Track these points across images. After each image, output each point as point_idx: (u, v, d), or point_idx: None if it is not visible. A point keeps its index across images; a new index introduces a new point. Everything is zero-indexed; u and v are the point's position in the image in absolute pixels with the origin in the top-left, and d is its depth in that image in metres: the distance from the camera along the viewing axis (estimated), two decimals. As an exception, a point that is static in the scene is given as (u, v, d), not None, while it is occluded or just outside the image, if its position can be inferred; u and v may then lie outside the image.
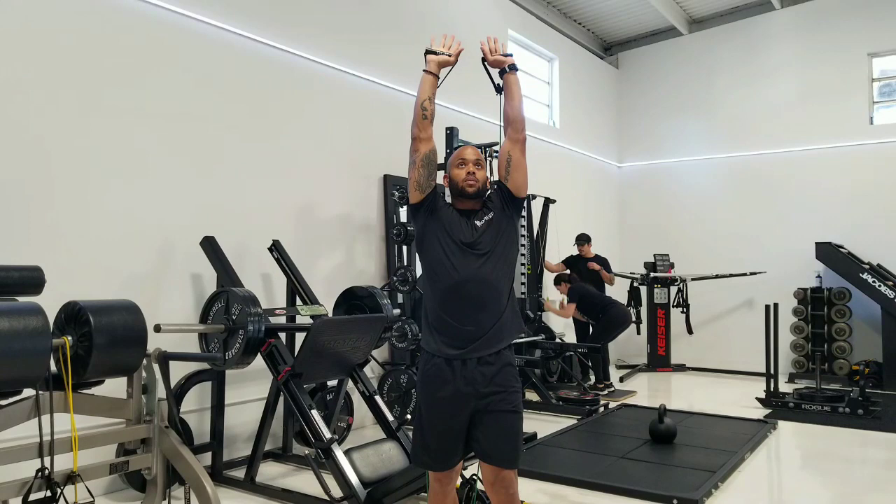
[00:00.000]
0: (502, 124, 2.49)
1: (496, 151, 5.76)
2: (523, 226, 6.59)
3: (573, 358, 7.51)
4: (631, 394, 7.00)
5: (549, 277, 7.69)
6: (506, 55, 2.49)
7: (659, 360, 8.74)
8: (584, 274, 7.48)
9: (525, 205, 6.34)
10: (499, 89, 2.52)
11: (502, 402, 2.32)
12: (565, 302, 7.19)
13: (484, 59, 2.51)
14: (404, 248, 5.59)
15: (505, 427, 2.32)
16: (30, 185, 3.55)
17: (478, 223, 2.42)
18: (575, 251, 7.73)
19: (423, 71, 2.44)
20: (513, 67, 2.48)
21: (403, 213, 5.70)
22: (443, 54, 2.45)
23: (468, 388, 2.30)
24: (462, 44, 2.51)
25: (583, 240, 7.65)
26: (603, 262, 7.70)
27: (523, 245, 6.51)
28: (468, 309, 2.32)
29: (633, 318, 8.09)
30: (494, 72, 2.54)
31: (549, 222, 7.48)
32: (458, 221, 2.42)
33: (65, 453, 2.54)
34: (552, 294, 7.82)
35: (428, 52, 2.46)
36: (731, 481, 4.00)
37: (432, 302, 2.40)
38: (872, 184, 8.13)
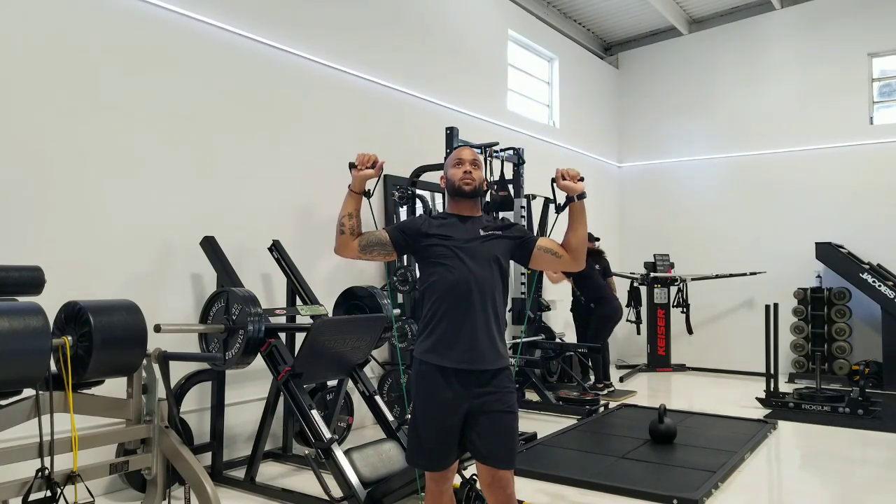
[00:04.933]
0: (563, 243, 2.43)
1: (496, 151, 5.75)
2: (523, 226, 6.59)
3: (573, 358, 7.51)
4: (631, 394, 7.01)
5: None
6: (578, 180, 2.41)
7: (659, 360, 8.74)
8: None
9: (525, 204, 6.35)
10: (559, 210, 2.51)
11: (497, 402, 2.32)
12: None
13: (554, 181, 2.45)
14: (404, 248, 5.58)
15: (500, 427, 2.32)
16: (30, 185, 3.55)
17: (482, 231, 2.41)
18: None
19: (348, 188, 2.43)
20: (582, 196, 2.41)
21: (403, 213, 5.70)
22: (365, 169, 2.41)
23: (463, 388, 2.30)
24: (380, 159, 2.44)
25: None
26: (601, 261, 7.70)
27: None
28: (464, 310, 2.32)
29: (622, 313, 7.95)
30: (561, 193, 2.46)
31: (549, 222, 7.48)
32: (455, 225, 2.42)
33: (65, 453, 2.54)
34: (552, 295, 7.82)
35: (351, 166, 2.44)
36: (731, 481, 4.00)
37: (429, 307, 2.39)
38: (872, 184, 8.13)
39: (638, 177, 10.05)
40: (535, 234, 7.19)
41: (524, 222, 6.69)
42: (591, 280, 7.08)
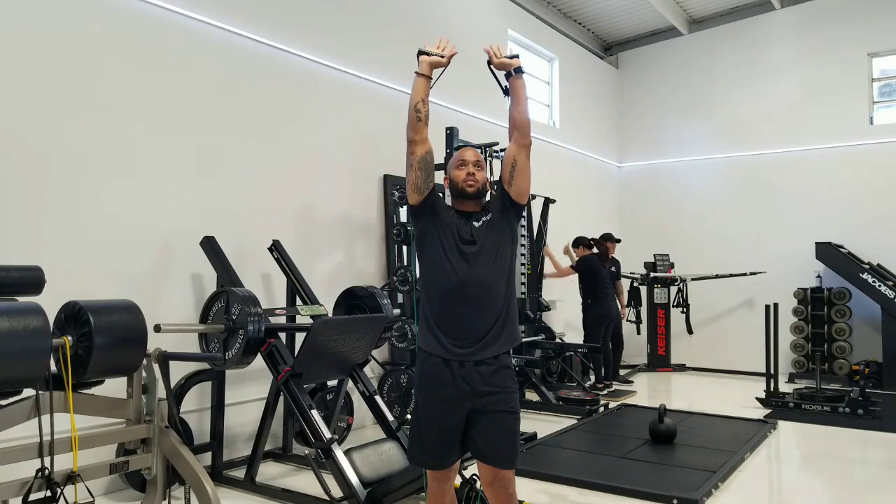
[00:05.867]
0: (509, 128, 2.49)
1: (496, 151, 5.76)
2: (523, 226, 6.59)
3: (573, 358, 7.51)
4: (631, 394, 7.01)
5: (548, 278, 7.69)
6: (511, 57, 2.49)
7: (659, 360, 8.74)
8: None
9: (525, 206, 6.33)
10: (506, 92, 2.53)
11: (500, 402, 2.33)
12: (571, 252, 7.40)
13: (490, 63, 2.52)
14: (404, 248, 5.59)
15: (502, 427, 2.33)
16: (30, 185, 3.55)
17: (476, 224, 2.43)
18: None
19: (416, 73, 2.45)
20: (518, 70, 2.47)
21: (403, 212, 5.70)
22: (435, 55, 2.45)
23: (466, 387, 2.31)
24: (456, 47, 2.49)
25: (604, 238, 7.68)
26: (616, 264, 7.71)
27: (523, 245, 6.51)
28: (466, 310, 2.33)
29: (616, 313, 7.93)
30: (501, 75, 2.53)
31: (549, 222, 7.48)
32: (458, 223, 2.43)
33: (65, 453, 2.54)
34: (552, 295, 7.81)
35: (420, 52, 2.47)
36: (731, 481, 4.01)
37: (431, 303, 2.40)
38: (872, 184, 8.13)
39: (638, 177, 10.04)
40: (540, 237, 7.21)
41: (524, 222, 6.70)
42: (594, 274, 7.14)
